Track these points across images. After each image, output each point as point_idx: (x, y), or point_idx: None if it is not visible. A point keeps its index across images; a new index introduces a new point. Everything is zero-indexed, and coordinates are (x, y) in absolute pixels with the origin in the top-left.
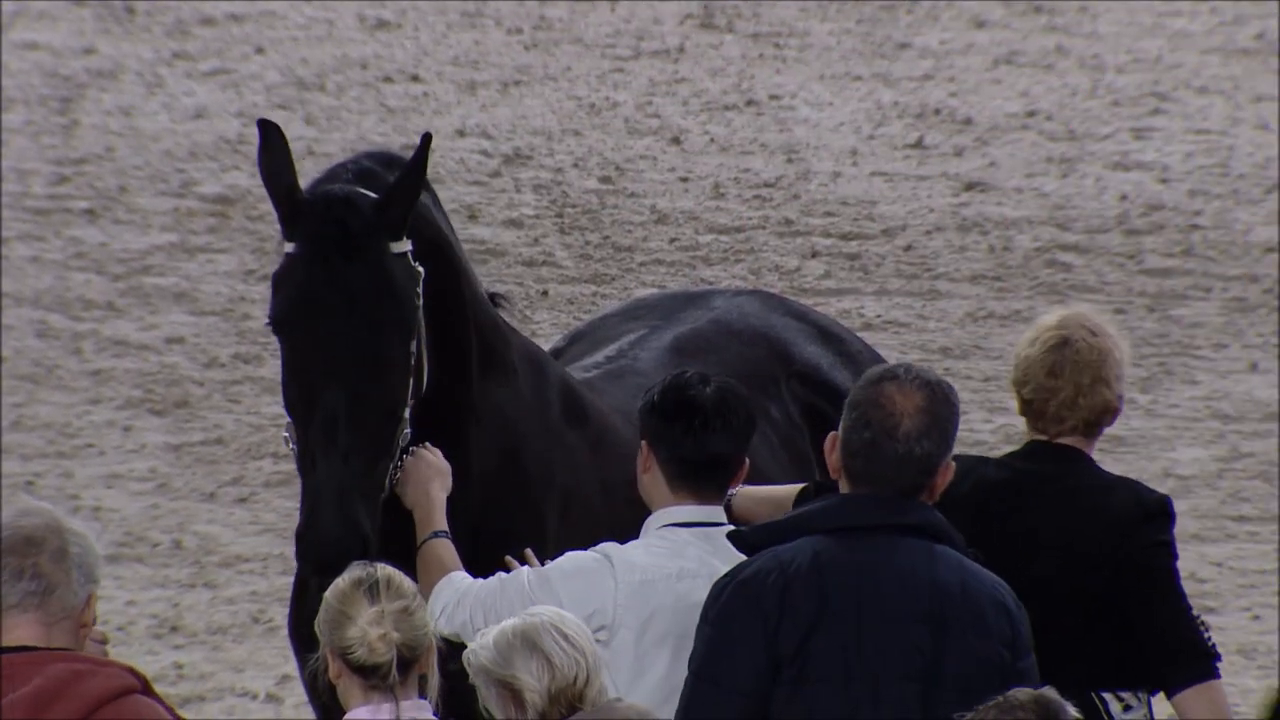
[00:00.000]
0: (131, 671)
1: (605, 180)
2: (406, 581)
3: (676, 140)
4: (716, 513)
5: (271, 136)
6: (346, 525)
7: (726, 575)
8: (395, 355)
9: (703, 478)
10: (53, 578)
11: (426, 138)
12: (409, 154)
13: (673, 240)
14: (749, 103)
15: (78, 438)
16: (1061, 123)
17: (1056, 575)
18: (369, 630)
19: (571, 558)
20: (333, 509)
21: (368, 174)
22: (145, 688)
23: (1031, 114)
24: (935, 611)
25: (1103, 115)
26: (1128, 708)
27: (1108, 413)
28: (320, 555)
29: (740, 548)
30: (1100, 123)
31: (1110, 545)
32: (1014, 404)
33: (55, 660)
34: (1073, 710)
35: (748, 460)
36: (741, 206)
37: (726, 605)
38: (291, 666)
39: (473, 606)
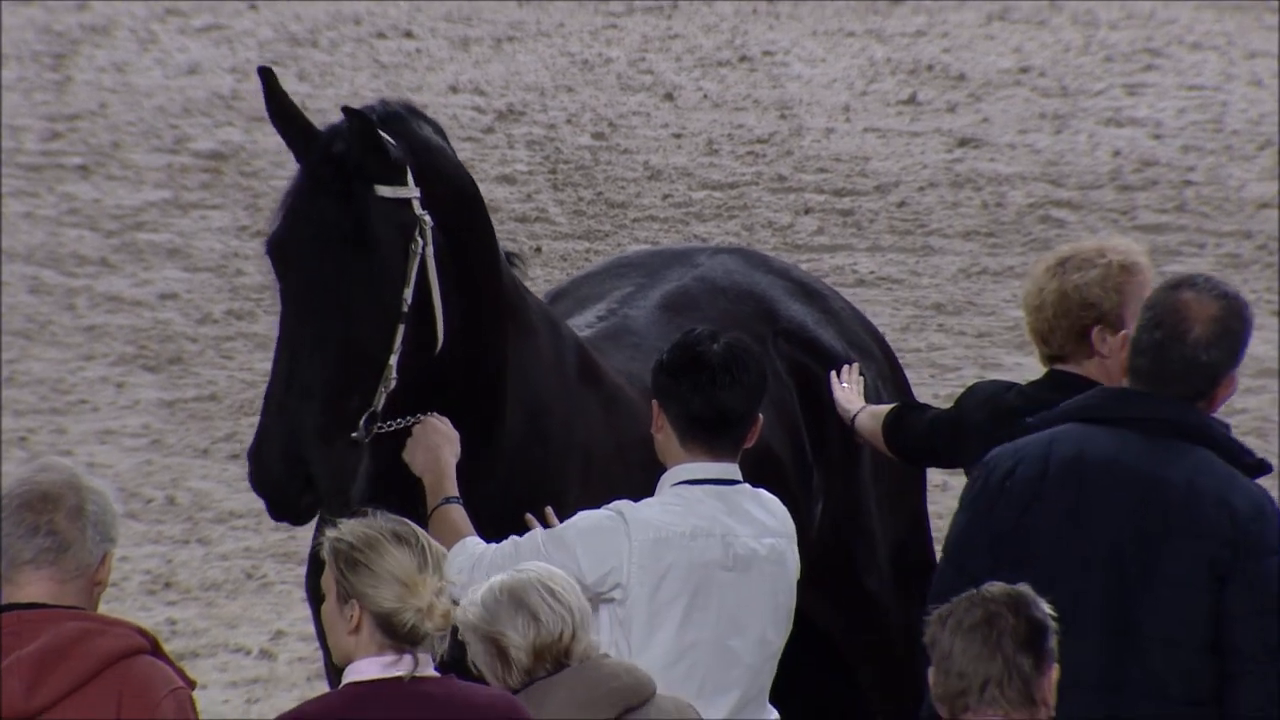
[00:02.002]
0: (141, 632)
1: (598, 136)
2: (435, 544)
3: (670, 96)
4: (731, 470)
5: (272, 84)
6: (287, 464)
7: (980, 463)
8: (366, 299)
9: (714, 434)
10: (68, 535)
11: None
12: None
13: (666, 196)
14: (742, 59)
15: (71, 394)
16: (1054, 79)
17: None
18: (436, 603)
19: (585, 516)
20: (276, 446)
21: (394, 118)
22: (154, 648)
23: (1024, 70)
24: (1152, 505)
25: (1096, 71)
26: None
27: (1081, 334)
28: (262, 492)
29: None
30: (1093, 79)
31: None
32: (1029, 348)
33: (65, 618)
34: (1047, 608)
35: (761, 417)
36: (734, 163)
37: (971, 490)
38: (284, 622)
39: (489, 570)
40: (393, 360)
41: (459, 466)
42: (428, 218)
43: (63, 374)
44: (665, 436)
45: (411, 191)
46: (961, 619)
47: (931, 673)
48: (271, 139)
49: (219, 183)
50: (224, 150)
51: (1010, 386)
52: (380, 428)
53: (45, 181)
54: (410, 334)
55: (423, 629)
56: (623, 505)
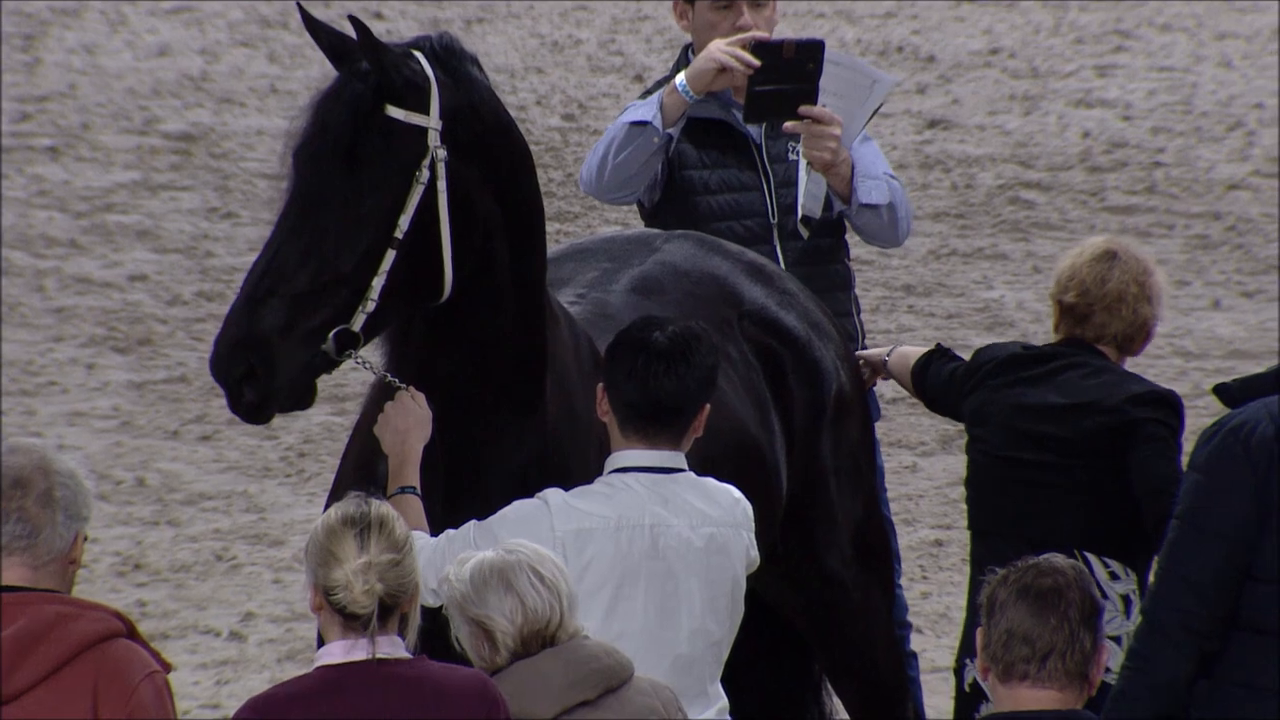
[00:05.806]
0: (118, 615)
1: (568, 118)
2: (399, 527)
3: (639, 78)
4: (673, 458)
5: (308, 17)
6: (233, 351)
7: (1215, 424)
8: (349, 215)
9: (651, 424)
10: (39, 521)
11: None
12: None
13: None
14: None
15: (40, 375)
16: (1024, 60)
17: (1061, 430)
18: (354, 581)
19: (515, 506)
20: (231, 333)
21: (449, 53)
22: (130, 631)
23: (994, 51)
24: None
25: (1065, 53)
26: (1114, 576)
27: (1144, 330)
28: (213, 374)
29: (1225, 401)
30: (1063, 60)
31: (1114, 408)
32: (1050, 320)
33: (41, 602)
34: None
35: (707, 406)
36: None
37: (1214, 452)
38: (255, 604)
39: (424, 567)
40: (376, 283)
41: (497, 430)
42: (442, 151)
43: (32, 356)
44: (609, 421)
45: (429, 121)
46: (1029, 585)
47: (985, 631)
48: (241, 121)
49: (189, 164)
50: (194, 132)
51: (1019, 345)
52: (361, 361)
53: (14, 163)
54: (405, 266)
55: (350, 609)
56: (551, 493)
